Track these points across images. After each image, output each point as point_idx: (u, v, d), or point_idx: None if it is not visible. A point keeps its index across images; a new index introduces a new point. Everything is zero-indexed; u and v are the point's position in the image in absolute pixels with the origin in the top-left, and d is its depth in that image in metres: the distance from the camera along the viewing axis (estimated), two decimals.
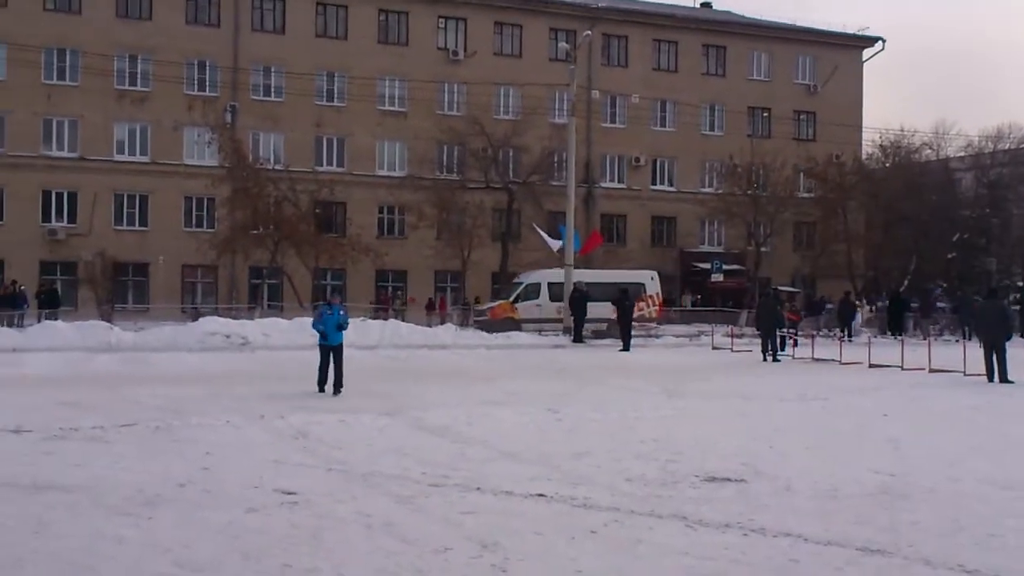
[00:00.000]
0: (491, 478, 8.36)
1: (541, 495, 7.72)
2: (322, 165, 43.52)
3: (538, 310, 34.13)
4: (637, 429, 11.35)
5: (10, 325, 29.16)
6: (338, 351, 15.53)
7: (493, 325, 32.01)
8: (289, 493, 7.67)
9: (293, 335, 25.14)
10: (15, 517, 6.72)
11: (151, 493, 7.59)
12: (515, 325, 32.22)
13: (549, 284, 35.07)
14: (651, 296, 35.52)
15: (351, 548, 6.12)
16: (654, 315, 35.11)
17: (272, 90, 43.85)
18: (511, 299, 35.06)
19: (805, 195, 48.73)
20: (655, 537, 6.49)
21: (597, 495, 7.73)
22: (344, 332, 15.87)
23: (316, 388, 15.27)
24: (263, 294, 38.85)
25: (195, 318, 29.70)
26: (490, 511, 7.18)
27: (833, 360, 22.98)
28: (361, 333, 25.94)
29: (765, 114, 51.42)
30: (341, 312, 15.93)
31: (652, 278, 36.51)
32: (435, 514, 7.07)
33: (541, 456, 9.50)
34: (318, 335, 15.83)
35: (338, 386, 15.23)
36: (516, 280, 37.22)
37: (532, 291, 35.30)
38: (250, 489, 7.81)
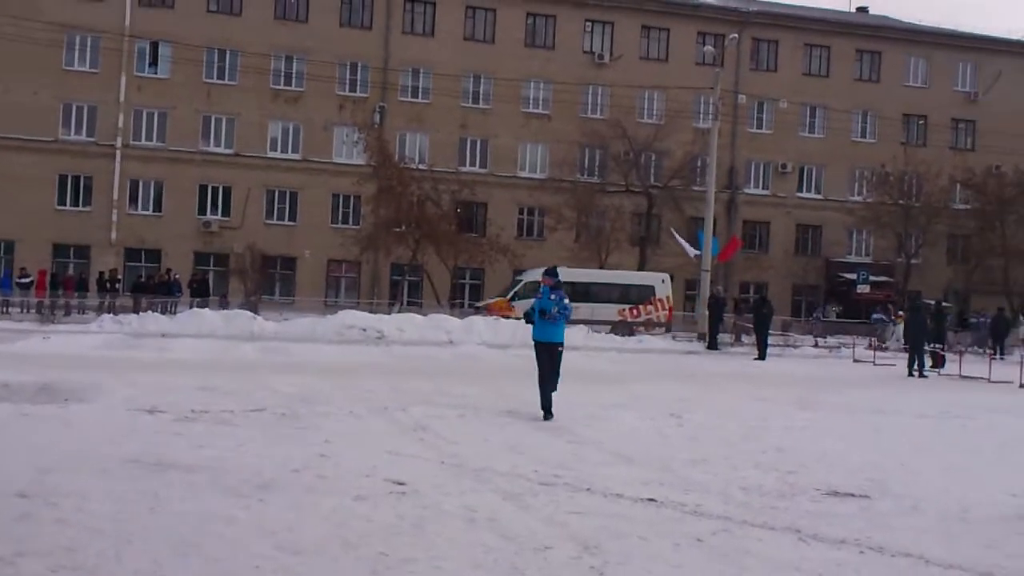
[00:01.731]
0: (602, 480, 8.20)
1: (651, 500, 7.52)
2: (465, 166, 44.16)
3: None
4: (761, 439, 10.98)
5: (164, 312, 30.65)
6: (551, 352, 11.87)
7: None
8: (399, 483, 7.69)
9: (427, 331, 25.59)
10: (134, 493, 6.93)
11: (267, 476, 7.73)
12: None
13: None
14: (661, 299, 34.43)
15: (451, 541, 6.08)
16: (663, 319, 34.04)
17: (420, 91, 44.71)
18: (508, 296, 34.42)
19: (961, 207, 46.69)
20: (764, 549, 6.22)
21: (709, 503, 7.48)
22: (560, 330, 11.94)
23: (541, 414, 11.84)
24: (403, 291, 39.62)
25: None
26: (597, 513, 7.03)
27: (982, 378, 21.73)
28: (493, 332, 26.21)
29: (921, 122, 49.50)
30: (552, 297, 11.79)
31: (663, 281, 35.60)
32: (541, 512, 6.97)
33: (657, 461, 9.29)
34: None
35: (545, 407, 11.81)
36: (517, 277, 36.55)
37: (531, 289, 34.43)
38: (362, 477, 7.87)
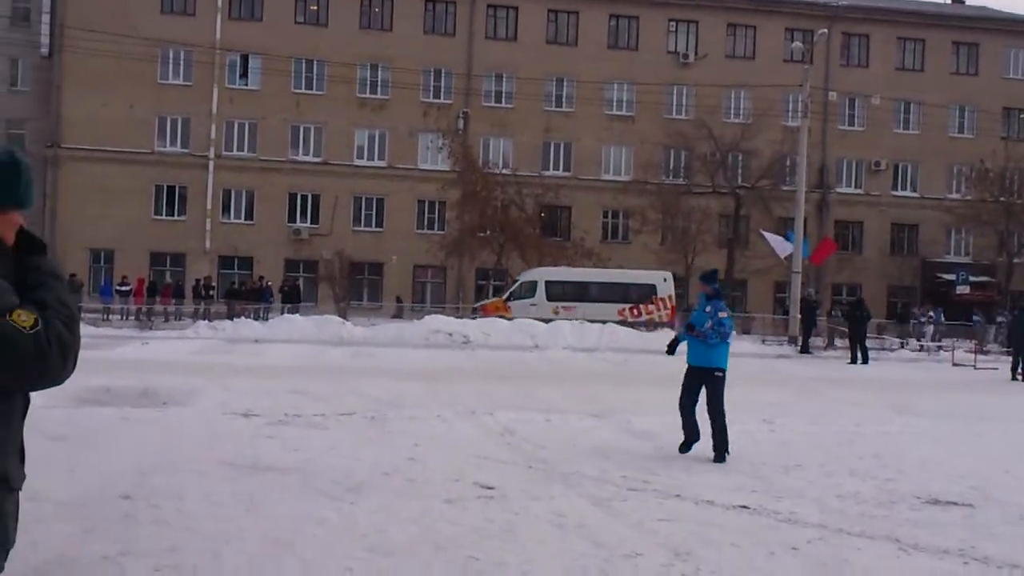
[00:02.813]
0: (693, 486, 8.08)
1: (744, 507, 7.37)
2: (548, 169, 44.16)
3: (533, 309, 32.37)
4: (856, 444, 10.67)
5: (256, 318, 31.30)
6: (706, 380, 9.43)
7: None
8: (487, 487, 7.70)
9: (513, 335, 25.62)
10: (231, 495, 7.09)
11: (357, 479, 7.81)
12: None
13: (547, 283, 33.70)
14: (663, 299, 33.60)
15: (541, 546, 6.05)
16: (665, 319, 33.00)
17: (503, 96, 44.84)
18: (504, 297, 33.94)
19: None
20: (862, 559, 6.03)
21: (804, 510, 7.29)
22: (718, 352, 9.41)
23: (678, 447, 9.65)
24: (488, 295, 39.78)
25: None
26: (688, 519, 6.92)
27: None
28: (580, 336, 26.11)
29: (1022, 115, 47.73)
30: (707, 309, 9.42)
31: (665, 280, 34.59)
32: (630, 518, 6.89)
33: (749, 467, 9.11)
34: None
35: (717, 447, 9.36)
36: (515, 278, 35.97)
37: (527, 289, 33.91)
38: (451, 481, 7.90)
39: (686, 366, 9.67)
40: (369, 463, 8.51)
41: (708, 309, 9.42)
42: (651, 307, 33.60)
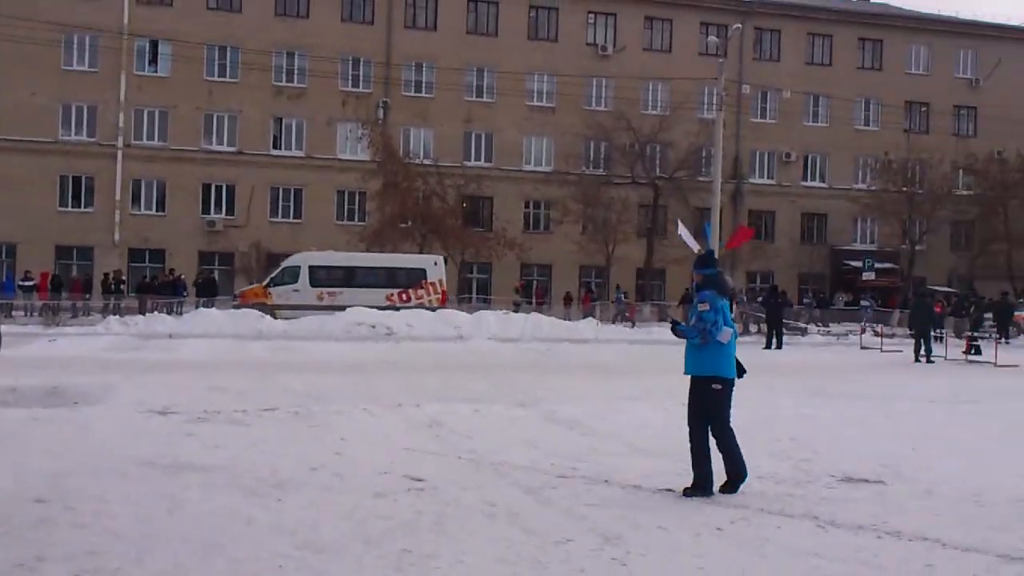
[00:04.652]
0: (620, 472, 8.25)
1: (669, 490, 7.57)
2: (470, 160, 44.09)
3: (296, 295, 31.58)
4: (773, 427, 10.99)
5: (169, 312, 30.61)
6: (704, 391, 7.57)
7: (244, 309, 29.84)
8: (417, 480, 7.71)
9: (436, 326, 25.59)
10: (151, 496, 6.92)
11: (284, 476, 7.73)
12: (268, 311, 29.16)
13: (311, 267, 32.64)
14: (432, 283, 33.11)
15: (472, 536, 6.09)
16: (436, 303, 32.31)
17: (423, 86, 44.60)
18: (265, 283, 32.91)
19: (964, 192, 47.07)
20: (783, 537, 6.27)
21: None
22: (707, 358, 7.57)
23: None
24: None
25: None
26: (616, 504, 7.07)
27: (988, 362, 22.00)
28: (504, 326, 26.22)
29: (923, 109, 49.47)
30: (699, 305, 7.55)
31: (436, 263, 33.83)
32: (560, 505, 7.00)
33: (672, 452, 9.19)
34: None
35: (728, 472, 7.54)
36: (283, 263, 34.46)
37: (290, 275, 32.59)
38: (379, 475, 7.88)
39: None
40: (295, 459, 8.43)
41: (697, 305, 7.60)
42: (420, 292, 32.69)
